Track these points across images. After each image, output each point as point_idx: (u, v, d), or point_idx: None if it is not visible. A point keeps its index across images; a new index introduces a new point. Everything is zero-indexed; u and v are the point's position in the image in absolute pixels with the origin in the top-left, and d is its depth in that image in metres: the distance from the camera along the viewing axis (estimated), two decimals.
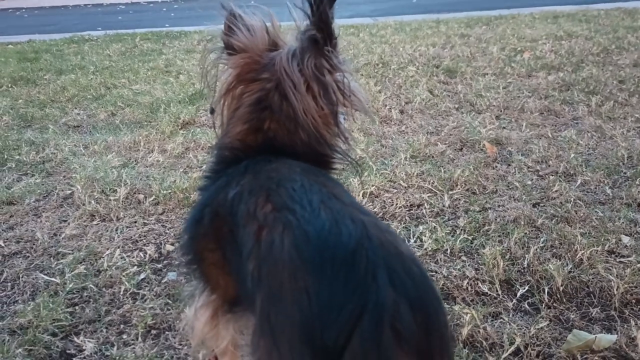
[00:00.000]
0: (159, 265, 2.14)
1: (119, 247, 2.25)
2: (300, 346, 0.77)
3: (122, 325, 1.82)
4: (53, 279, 2.05)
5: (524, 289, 1.90)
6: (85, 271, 2.09)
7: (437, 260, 2.08)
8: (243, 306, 1.10)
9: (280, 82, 1.20)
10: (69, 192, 2.75)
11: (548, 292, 1.87)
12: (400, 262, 0.82)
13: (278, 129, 1.20)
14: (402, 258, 0.84)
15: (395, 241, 0.87)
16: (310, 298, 0.78)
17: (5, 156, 3.24)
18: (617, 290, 1.84)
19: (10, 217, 2.55)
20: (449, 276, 1.97)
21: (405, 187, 2.65)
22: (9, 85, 4.97)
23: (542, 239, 2.16)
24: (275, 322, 0.81)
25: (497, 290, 1.90)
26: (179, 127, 3.67)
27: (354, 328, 0.74)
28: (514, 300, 1.86)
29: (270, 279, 0.85)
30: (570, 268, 1.97)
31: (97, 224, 2.46)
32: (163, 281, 2.03)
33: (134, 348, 1.71)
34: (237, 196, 1.03)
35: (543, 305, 1.82)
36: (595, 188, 2.58)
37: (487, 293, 1.89)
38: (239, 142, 1.22)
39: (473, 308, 1.79)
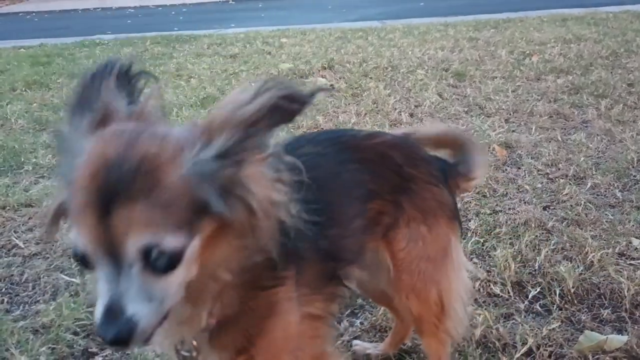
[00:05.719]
0: None
1: None
2: None
3: None
4: (73, 280, 2.09)
5: (536, 290, 1.93)
6: None
7: None
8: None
9: None
10: None
11: (559, 294, 1.90)
12: None
13: None
14: None
15: None
16: None
17: (22, 159, 3.29)
18: (627, 292, 1.86)
19: (29, 219, 2.60)
20: None
21: None
22: (23, 89, 5.04)
23: (552, 242, 2.19)
24: None
25: (509, 292, 1.93)
26: None
27: None
28: (526, 302, 1.89)
29: None
30: (581, 270, 2.00)
31: None
32: None
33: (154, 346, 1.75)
34: None
35: (554, 307, 1.85)
36: (605, 191, 2.60)
37: (499, 295, 1.93)
38: None
39: (485, 309, 1.82)
